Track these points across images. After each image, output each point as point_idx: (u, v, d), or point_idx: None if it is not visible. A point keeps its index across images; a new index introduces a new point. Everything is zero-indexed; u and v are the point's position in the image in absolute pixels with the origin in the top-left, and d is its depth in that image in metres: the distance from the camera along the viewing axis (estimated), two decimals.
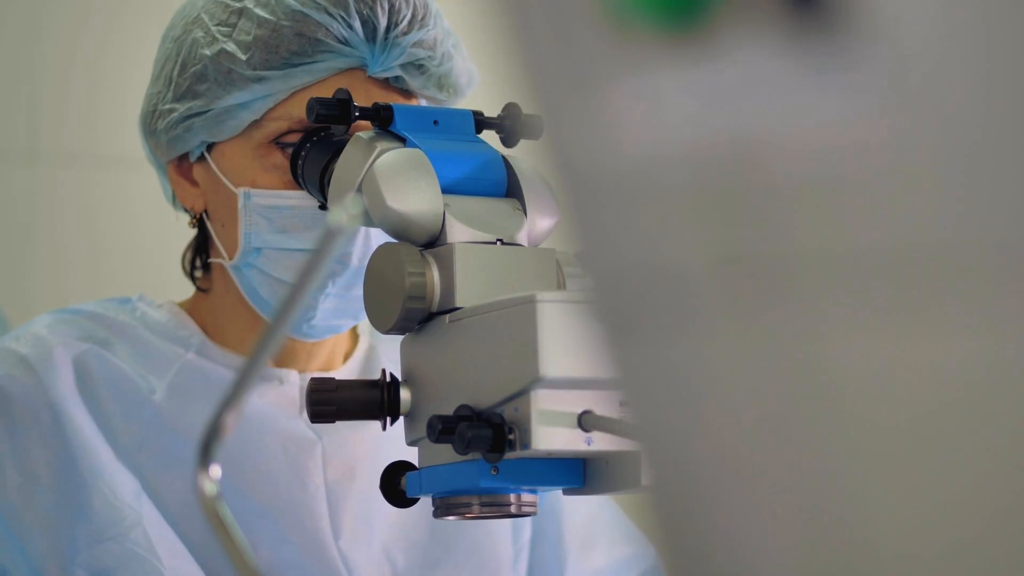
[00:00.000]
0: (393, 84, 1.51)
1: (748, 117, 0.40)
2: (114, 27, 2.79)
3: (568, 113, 0.43)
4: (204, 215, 1.58)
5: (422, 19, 1.49)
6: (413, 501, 1.27)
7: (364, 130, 1.35)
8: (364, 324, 1.69)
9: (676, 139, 0.41)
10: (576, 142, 0.43)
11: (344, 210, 0.69)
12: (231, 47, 1.50)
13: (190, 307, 1.65)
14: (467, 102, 1.57)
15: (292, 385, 1.61)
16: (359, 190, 1.29)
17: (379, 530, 1.63)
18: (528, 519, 1.69)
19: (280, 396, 1.61)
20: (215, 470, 0.79)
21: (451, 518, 1.24)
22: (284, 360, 1.62)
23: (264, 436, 1.58)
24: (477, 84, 1.57)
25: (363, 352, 1.70)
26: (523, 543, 1.72)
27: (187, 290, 1.68)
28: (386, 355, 1.70)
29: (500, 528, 1.70)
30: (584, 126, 0.43)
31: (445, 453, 1.19)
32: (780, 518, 0.43)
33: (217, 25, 1.52)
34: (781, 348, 0.41)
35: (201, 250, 1.63)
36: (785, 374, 0.42)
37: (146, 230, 2.71)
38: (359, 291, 1.53)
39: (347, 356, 1.69)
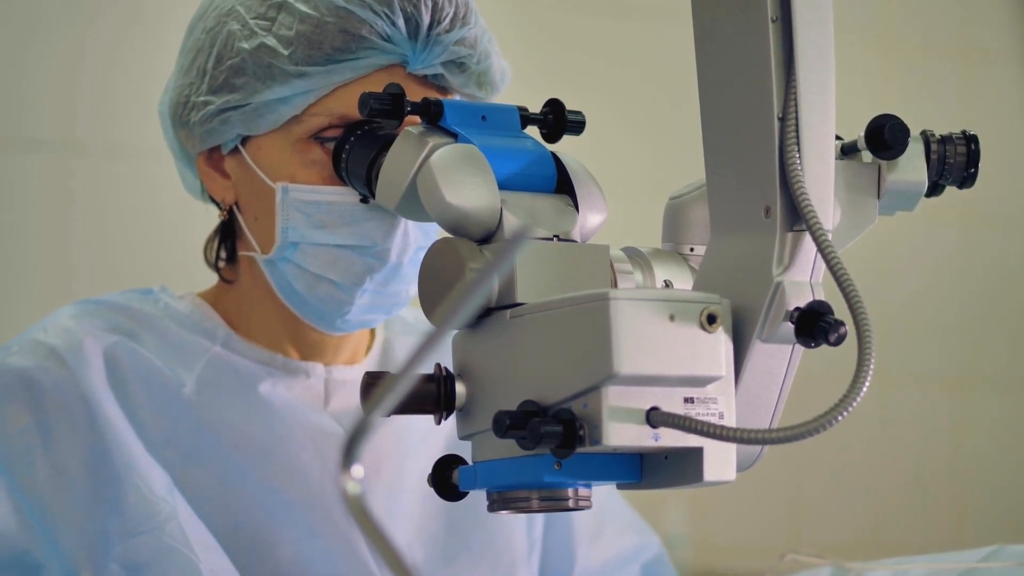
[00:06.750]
0: (431, 81, 1.50)
1: None
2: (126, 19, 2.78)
3: None
4: (234, 207, 1.58)
5: (463, 17, 1.49)
6: (463, 495, 1.27)
7: (410, 125, 1.35)
8: None
9: None
10: None
11: (529, 216, 0.69)
12: (271, 41, 1.49)
13: (213, 299, 1.64)
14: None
15: (318, 379, 1.61)
16: (413, 184, 1.29)
17: (400, 523, 1.63)
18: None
19: (306, 389, 1.60)
20: (357, 470, 0.79)
21: (505, 512, 1.24)
22: (311, 353, 1.61)
23: (293, 430, 1.57)
24: (509, 81, 1.57)
25: (380, 345, 1.70)
26: (537, 535, 1.73)
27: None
28: (401, 348, 1.71)
29: (515, 522, 1.70)
30: None
31: (504, 448, 1.18)
32: None
33: (255, 18, 1.51)
34: None
35: (225, 241, 1.62)
36: None
37: (153, 221, 2.70)
38: (395, 287, 1.53)
39: (367, 349, 1.68)
